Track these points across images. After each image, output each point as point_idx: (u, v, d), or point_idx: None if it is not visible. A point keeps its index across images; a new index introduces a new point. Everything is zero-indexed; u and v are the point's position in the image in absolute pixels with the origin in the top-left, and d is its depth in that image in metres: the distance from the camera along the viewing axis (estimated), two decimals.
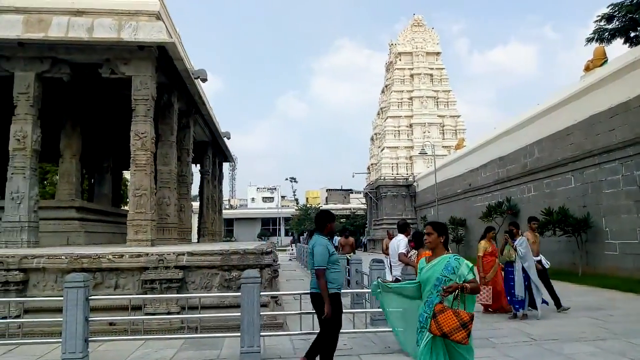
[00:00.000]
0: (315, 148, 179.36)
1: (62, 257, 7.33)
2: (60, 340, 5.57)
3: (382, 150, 44.93)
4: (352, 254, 14.67)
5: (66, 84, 10.54)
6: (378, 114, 51.18)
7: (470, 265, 3.50)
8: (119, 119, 14.05)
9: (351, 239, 15.15)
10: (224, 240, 26.34)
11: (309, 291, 5.23)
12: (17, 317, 6.99)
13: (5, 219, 9.59)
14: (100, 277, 7.30)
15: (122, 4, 10.17)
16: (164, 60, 10.82)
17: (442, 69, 45.69)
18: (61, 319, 5.57)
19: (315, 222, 5.32)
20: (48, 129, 10.96)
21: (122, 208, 20.43)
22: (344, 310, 5.24)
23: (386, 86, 49.33)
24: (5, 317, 6.87)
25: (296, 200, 71.58)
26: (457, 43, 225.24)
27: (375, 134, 50.80)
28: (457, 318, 3.30)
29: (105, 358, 6.02)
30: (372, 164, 51.24)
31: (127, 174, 27.10)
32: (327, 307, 4.80)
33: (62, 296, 5.65)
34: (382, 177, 42.52)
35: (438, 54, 46.25)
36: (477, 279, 3.91)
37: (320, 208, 58.57)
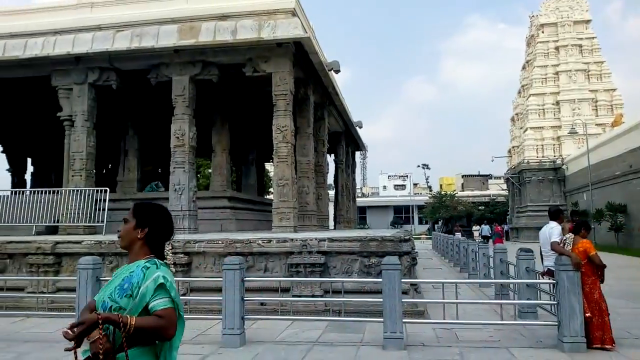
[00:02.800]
0: (447, 133, 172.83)
1: (219, 241, 8.09)
2: (219, 317, 6.16)
3: (524, 132, 41.79)
4: None
5: (215, 84, 11.51)
6: (519, 92, 47.67)
7: (164, 279, 2.00)
8: (261, 114, 14.99)
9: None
10: (357, 228, 26.79)
11: (452, 280, 5.08)
12: (184, 294, 7.89)
13: (170, 208, 10.82)
14: (252, 260, 7.92)
15: (261, 5, 10.78)
16: (300, 55, 11.26)
17: (592, 38, 40.96)
18: (219, 298, 6.16)
19: None
20: (201, 127, 12.07)
21: (266, 197, 21.84)
22: (489, 301, 4.99)
23: (527, 62, 45.65)
24: None
25: (429, 187, 70.06)
26: (608, 8, 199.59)
27: (516, 114, 47.41)
28: None
29: (258, 335, 6.51)
30: (513, 147, 47.96)
31: (268, 166, 28.92)
32: None
33: (220, 277, 6.24)
34: (526, 161, 39.51)
35: (588, 22, 41.54)
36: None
37: (456, 195, 56.58)
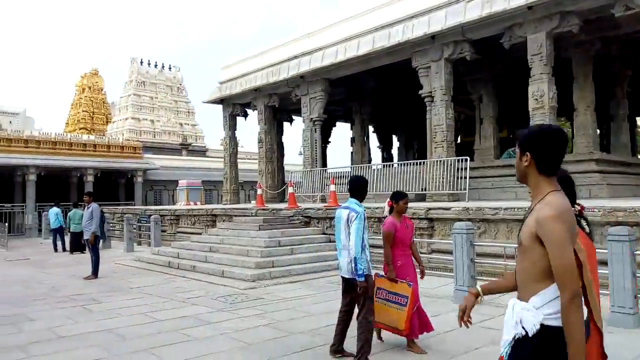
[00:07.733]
0: None
1: (594, 209, 7.28)
2: (604, 292, 5.55)
3: None
4: None
5: (571, 35, 10.33)
6: None
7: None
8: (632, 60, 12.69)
9: None
10: None
11: None
12: None
13: None
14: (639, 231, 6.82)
15: None
16: None
17: None
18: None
19: None
20: (559, 85, 11.08)
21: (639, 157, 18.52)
22: None
23: None
24: None
25: None
26: None
27: None
28: None
29: None
30: None
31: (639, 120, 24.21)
32: None
33: (604, 249, 5.62)
34: None
35: None
36: None
37: None
